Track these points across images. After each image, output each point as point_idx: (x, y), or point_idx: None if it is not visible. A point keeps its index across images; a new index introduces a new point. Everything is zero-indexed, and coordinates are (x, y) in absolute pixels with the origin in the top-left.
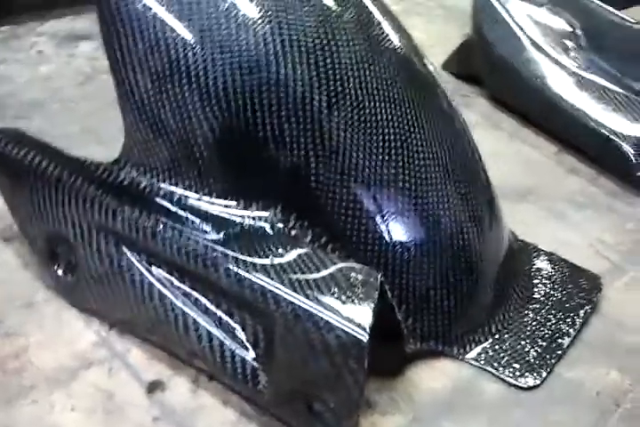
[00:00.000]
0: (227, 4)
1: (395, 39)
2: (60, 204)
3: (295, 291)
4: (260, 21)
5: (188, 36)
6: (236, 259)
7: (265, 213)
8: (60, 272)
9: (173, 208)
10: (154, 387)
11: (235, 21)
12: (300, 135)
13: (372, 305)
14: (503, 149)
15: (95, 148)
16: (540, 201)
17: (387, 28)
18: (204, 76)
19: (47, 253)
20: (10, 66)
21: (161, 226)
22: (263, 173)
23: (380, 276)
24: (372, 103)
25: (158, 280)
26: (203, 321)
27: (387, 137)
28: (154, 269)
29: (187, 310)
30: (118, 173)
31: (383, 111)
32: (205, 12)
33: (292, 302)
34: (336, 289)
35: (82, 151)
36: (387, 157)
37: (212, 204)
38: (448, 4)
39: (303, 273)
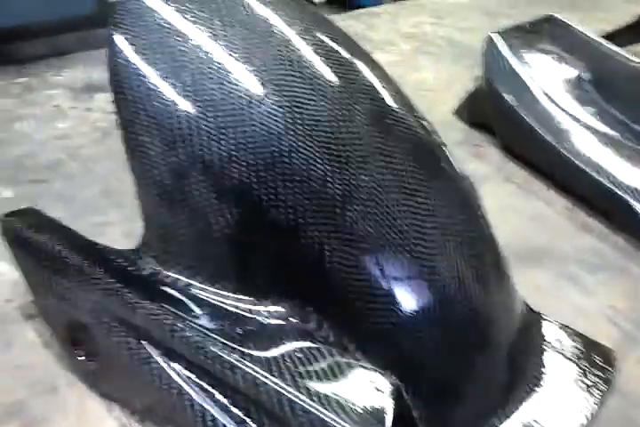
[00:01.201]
0: (242, 101)
1: (407, 130)
2: (80, 292)
3: (311, 397)
4: (273, 118)
5: (201, 130)
6: (252, 358)
7: (280, 309)
8: (80, 358)
9: (190, 303)
10: None
11: (249, 119)
12: (316, 228)
13: (390, 417)
14: (514, 203)
15: (116, 213)
16: (551, 262)
17: (400, 117)
18: (219, 171)
19: (68, 337)
20: (27, 123)
21: (178, 323)
22: (278, 266)
23: (396, 381)
24: (387, 193)
25: (177, 374)
26: (221, 418)
27: (401, 223)
28: (172, 363)
29: (205, 406)
30: (137, 263)
31: (398, 199)
32: (221, 109)
33: (308, 411)
34: (353, 397)
35: (102, 216)
36: (401, 244)
37: (228, 298)
38: (458, 40)
39: (318, 377)
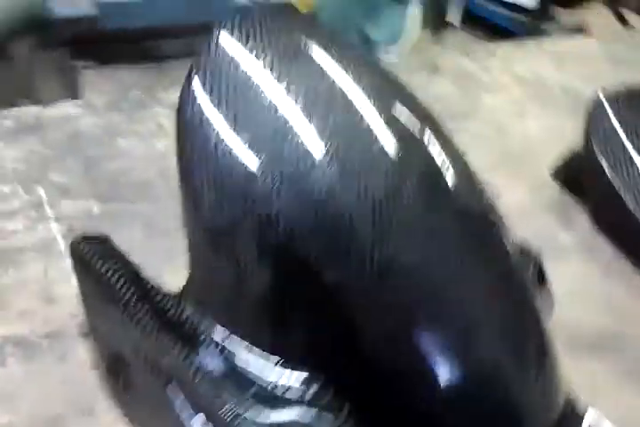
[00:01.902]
0: (302, 164)
1: (461, 208)
2: (124, 326)
3: None
4: (328, 183)
5: (258, 187)
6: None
7: (301, 378)
8: (117, 386)
9: (215, 357)
10: None
11: (306, 182)
12: (353, 297)
13: None
14: (590, 284)
15: None
16: (615, 357)
17: (456, 195)
18: (267, 229)
19: (109, 365)
20: (129, 139)
21: (199, 375)
22: (311, 331)
23: None
24: (429, 272)
25: (195, 423)
26: None
27: (438, 304)
28: (191, 411)
29: None
30: (177, 307)
31: (440, 279)
32: (280, 169)
33: None
34: None
35: (176, 242)
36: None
37: (253, 354)
38: (576, 89)
39: None
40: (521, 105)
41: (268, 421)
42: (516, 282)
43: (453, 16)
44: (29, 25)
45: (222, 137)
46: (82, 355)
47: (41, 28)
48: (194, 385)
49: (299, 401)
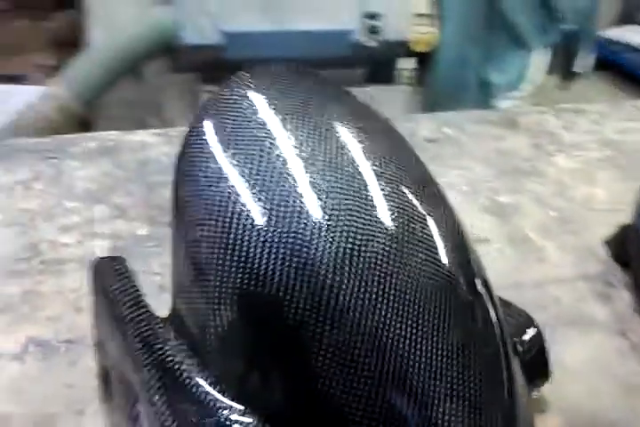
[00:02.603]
0: (308, 229)
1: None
2: (112, 341)
3: None
4: (328, 253)
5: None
6: None
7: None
8: (105, 396)
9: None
10: None
11: (308, 248)
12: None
13: None
14: (612, 364)
15: None
16: None
17: (460, 291)
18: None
19: (102, 375)
20: None
21: (158, 398)
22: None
23: None
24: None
25: None
26: None
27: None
28: None
29: None
30: (160, 331)
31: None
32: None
33: None
34: None
35: None
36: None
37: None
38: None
39: None
40: (593, 170)
41: None
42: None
43: (582, 63)
44: (162, 50)
45: (230, 194)
46: (89, 363)
47: (172, 54)
48: (152, 406)
49: None
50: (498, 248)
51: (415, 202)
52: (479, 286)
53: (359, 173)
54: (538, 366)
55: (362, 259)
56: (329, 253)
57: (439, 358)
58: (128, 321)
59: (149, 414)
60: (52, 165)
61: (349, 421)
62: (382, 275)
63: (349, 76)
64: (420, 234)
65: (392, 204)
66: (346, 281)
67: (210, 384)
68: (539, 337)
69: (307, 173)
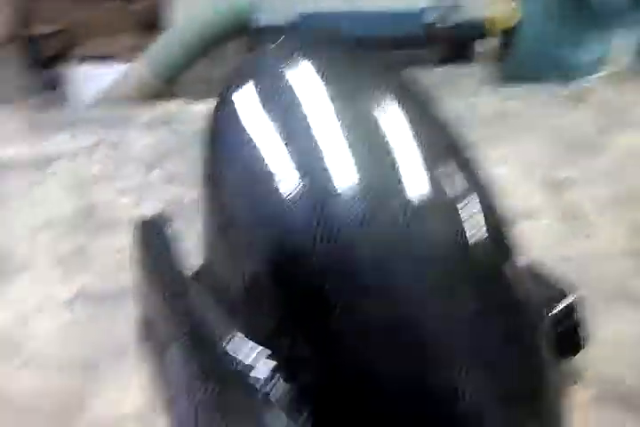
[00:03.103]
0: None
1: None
2: (145, 295)
3: None
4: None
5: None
6: None
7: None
8: (141, 342)
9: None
10: None
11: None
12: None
13: None
14: None
15: None
16: None
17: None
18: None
19: (140, 326)
20: None
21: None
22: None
23: None
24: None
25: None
26: None
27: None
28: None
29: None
30: (188, 285)
31: None
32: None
33: None
34: None
35: None
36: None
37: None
38: None
39: None
40: None
41: None
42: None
43: None
44: (239, 31)
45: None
46: (132, 313)
47: (247, 35)
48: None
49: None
50: (547, 223)
51: (440, 167)
52: (501, 252)
53: (388, 136)
54: (572, 336)
55: (384, 216)
56: (352, 207)
57: (456, 320)
58: (161, 275)
59: (177, 361)
60: (115, 133)
61: (364, 371)
62: (402, 233)
63: (424, 55)
64: (444, 197)
65: (418, 167)
66: (368, 236)
67: (234, 332)
68: (573, 308)
69: (337, 132)
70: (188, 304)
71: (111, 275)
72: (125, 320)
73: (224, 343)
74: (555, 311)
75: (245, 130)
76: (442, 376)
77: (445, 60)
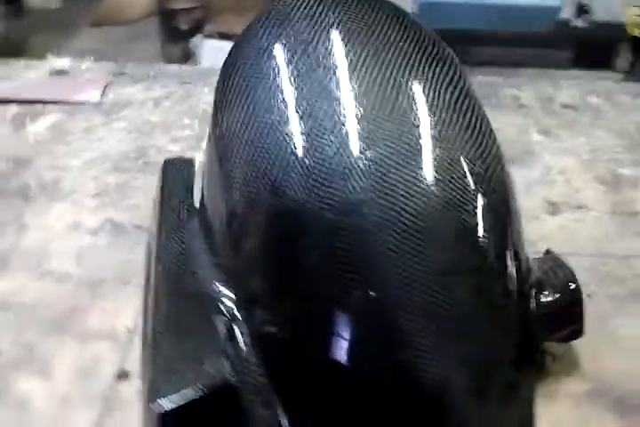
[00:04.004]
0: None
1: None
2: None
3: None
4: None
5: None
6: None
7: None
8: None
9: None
10: None
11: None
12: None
13: None
14: None
15: None
16: None
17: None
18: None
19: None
20: None
21: None
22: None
23: None
24: None
25: None
26: None
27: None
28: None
29: None
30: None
31: None
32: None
33: None
34: None
35: None
36: None
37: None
38: None
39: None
40: None
41: None
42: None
43: None
44: None
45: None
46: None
47: None
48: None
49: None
50: (596, 216)
51: (451, 134)
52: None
53: (401, 101)
54: (568, 320)
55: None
56: (344, 167)
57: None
58: (165, 210)
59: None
60: (185, 88)
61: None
62: (401, 201)
63: (554, 56)
64: (447, 162)
65: (426, 133)
66: (356, 184)
67: (213, 263)
68: (571, 293)
69: (348, 93)
70: (182, 235)
71: (140, 211)
72: (139, 253)
73: (201, 274)
74: (547, 294)
75: (255, 66)
76: (405, 334)
77: (576, 65)
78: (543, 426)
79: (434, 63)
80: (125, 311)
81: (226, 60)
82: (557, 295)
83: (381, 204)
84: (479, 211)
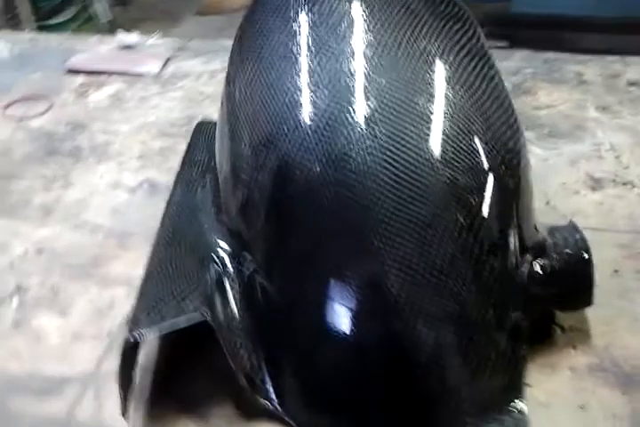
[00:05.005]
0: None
1: None
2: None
3: None
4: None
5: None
6: None
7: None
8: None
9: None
10: None
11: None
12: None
13: None
14: None
15: None
16: None
17: None
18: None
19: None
20: None
21: None
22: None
23: None
24: None
25: None
26: None
27: None
28: None
29: None
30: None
31: None
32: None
33: None
34: None
35: None
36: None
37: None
38: None
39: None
40: None
41: None
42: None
43: None
44: None
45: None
46: None
47: None
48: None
49: None
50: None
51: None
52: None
53: (401, 58)
54: (574, 287)
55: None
56: (334, 120)
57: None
58: (185, 166)
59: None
60: None
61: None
62: (389, 155)
63: None
64: (441, 119)
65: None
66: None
67: (215, 217)
68: (580, 260)
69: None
70: (193, 190)
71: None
72: None
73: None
74: (553, 259)
75: (262, 27)
76: (384, 287)
77: None
78: (538, 394)
79: (443, 21)
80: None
81: (240, 24)
82: (562, 261)
83: (369, 156)
84: (472, 171)
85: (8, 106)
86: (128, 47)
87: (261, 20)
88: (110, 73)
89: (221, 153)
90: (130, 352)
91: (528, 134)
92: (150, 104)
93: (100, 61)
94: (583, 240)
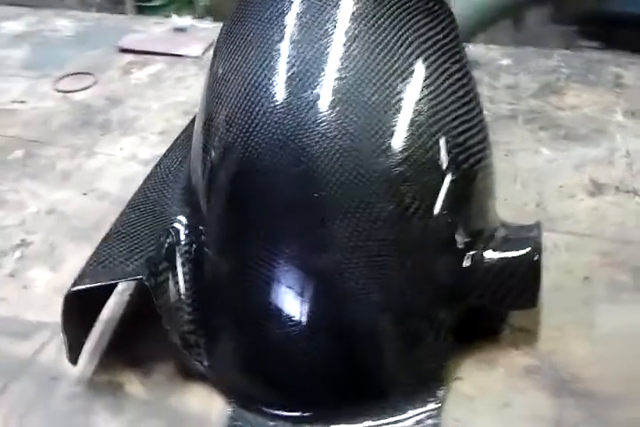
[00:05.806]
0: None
1: None
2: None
3: None
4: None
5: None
6: None
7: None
8: None
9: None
10: None
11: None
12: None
13: None
14: None
15: None
16: None
17: None
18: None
19: None
20: None
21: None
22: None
23: None
24: None
25: None
26: None
27: None
28: None
29: None
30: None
31: None
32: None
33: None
34: None
35: None
36: None
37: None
38: None
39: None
40: None
41: None
42: None
43: None
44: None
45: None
46: None
47: (555, 3)
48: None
49: None
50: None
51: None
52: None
53: (354, 47)
54: (519, 286)
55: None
56: (282, 106)
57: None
58: (180, 137)
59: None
60: None
61: None
62: (327, 142)
63: None
64: (385, 106)
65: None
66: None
67: (183, 187)
68: (528, 260)
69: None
70: (175, 160)
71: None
72: None
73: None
74: (498, 254)
75: (237, 14)
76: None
77: None
78: (466, 387)
79: (410, 15)
80: None
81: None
82: (507, 259)
83: (319, 141)
84: (408, 162)
85: (60, 79)
86: (180, 30)
87: (242, 5)
88: (155, 53)
89: (196, 128)
90: (70, 302)
91: (541, 134)
92: (185, 84)
93: (149, 42)
94: (536, 241)
